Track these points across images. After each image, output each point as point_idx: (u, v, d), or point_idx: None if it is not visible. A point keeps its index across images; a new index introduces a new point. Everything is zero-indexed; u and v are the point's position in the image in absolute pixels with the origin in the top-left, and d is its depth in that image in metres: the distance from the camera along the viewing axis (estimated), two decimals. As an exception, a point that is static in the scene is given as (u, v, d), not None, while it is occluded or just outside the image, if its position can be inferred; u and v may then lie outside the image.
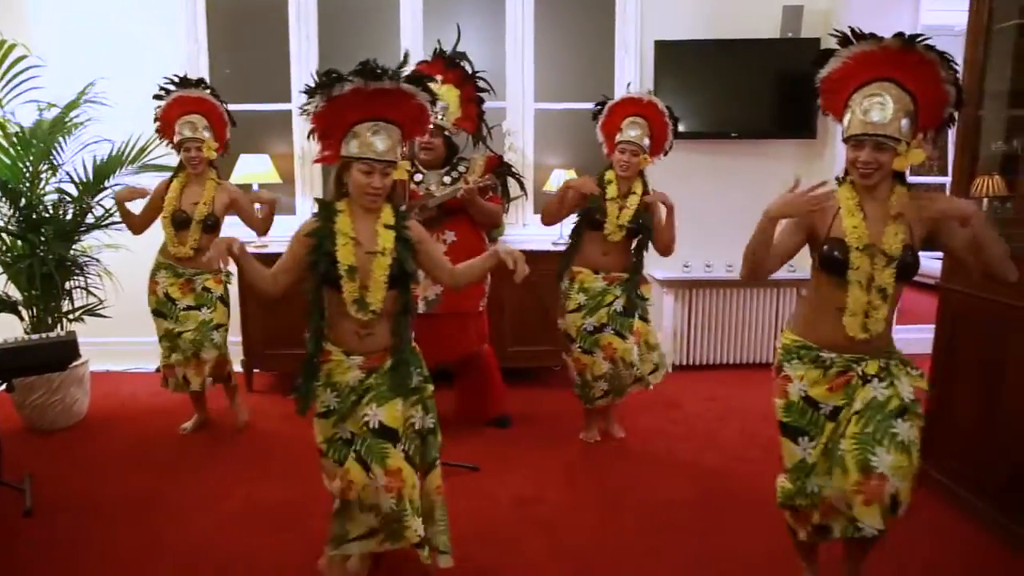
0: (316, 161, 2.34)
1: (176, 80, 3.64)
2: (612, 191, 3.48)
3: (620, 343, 3.47)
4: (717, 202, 4.90)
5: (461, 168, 3.71)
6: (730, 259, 4.92)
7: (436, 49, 3.72)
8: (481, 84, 3.74)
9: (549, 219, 3.64)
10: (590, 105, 4.92)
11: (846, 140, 2.13)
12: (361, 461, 2.15)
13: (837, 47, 2.16)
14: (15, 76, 3.92)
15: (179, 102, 3.60)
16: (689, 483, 3.29)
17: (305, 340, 2.28)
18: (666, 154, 3.59)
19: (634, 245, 3.57)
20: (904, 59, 2.05)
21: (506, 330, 4.46)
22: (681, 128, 3.72)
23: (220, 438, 3.83)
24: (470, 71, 3.71)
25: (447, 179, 3.68)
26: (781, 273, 4.82)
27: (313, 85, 2.13)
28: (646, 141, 3.45)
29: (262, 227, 3.77)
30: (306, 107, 2.15)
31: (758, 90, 4.85)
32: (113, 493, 3.19)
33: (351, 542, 2.23)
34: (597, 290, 3.50)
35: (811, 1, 4.76)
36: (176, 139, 3.59)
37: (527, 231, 5.00)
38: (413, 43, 4.84)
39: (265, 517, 2.98)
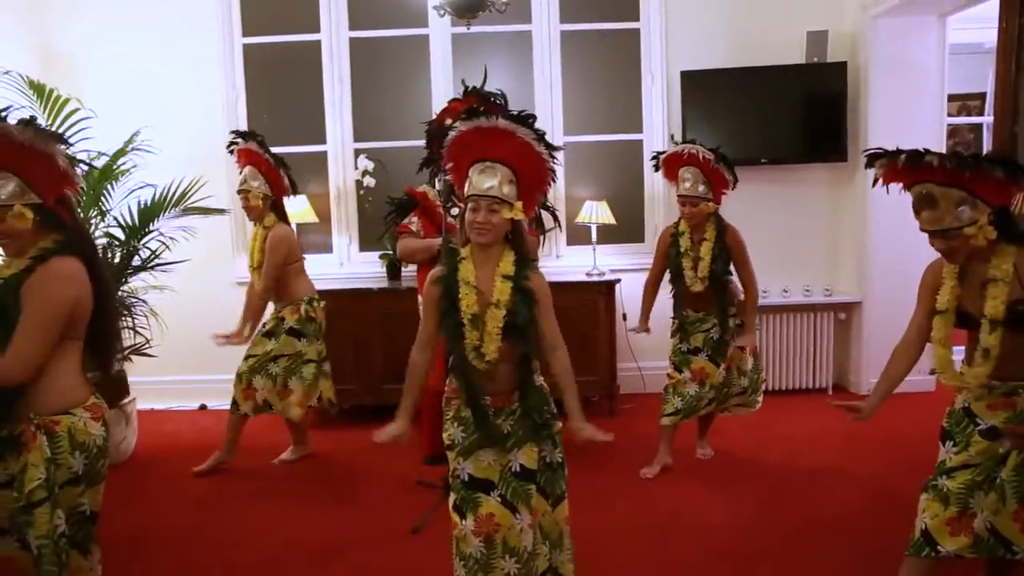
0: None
1: (233, 134, 3.88)
2: (685, 242, 3.62)
3: (712, 368, 3.58)
4: (749, 229, 4.86)
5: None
6: (765, 284, 4.88)
7: (466, 87, 3.77)
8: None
9: None
10: (619, 137, 5.04)
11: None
12: (507, 504, 2.19)
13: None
14: (69, 128, 4.11)
15: (239, 155, 3.80)
16: (733, 510, 3.26)
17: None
18: (734, 188, 3.68)
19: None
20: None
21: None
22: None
23: (263, 474, 3.88)
24: (505, 106, 3.79)
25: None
26: (818, 297, 4.88)
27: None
28: (701, 188, 3.52)
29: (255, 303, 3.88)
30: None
31: (786, 116, 4.87)
32: (160, 529, 3.26)
33: None
34: (695, 318, 3.66)
35: (836, 25, 4.79)
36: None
37: (560, 263, 5.04)
38: (443, 81, 4.97)
39: (310, 551, 3.00)
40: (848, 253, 5.00)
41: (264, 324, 3.86)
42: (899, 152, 2.09)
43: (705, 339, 3.61)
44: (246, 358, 3.81)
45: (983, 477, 2.14)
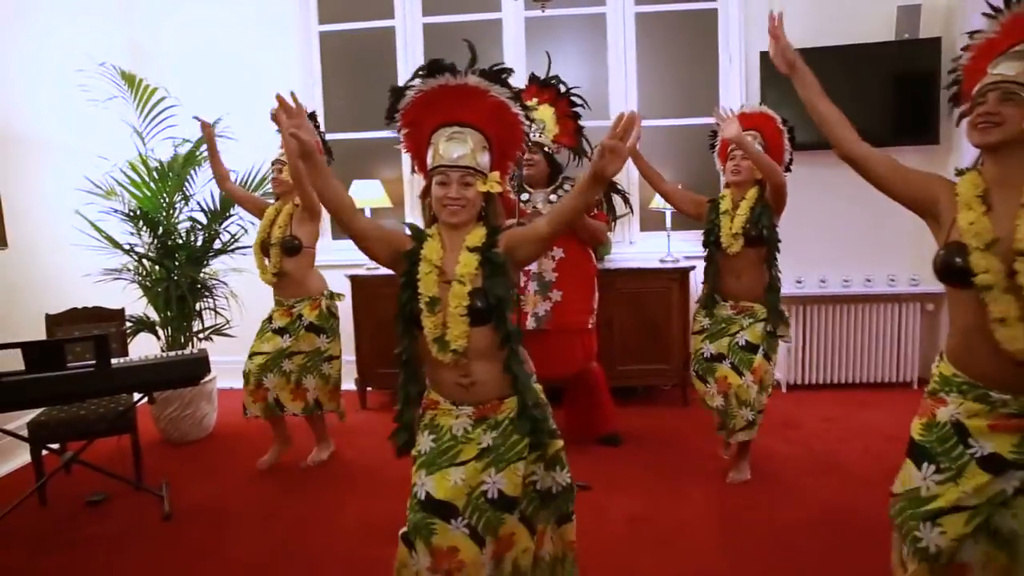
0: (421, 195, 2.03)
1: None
2: (725, 204, 3.35)
3: (735, 379, 3.24)
4: (831, 215, 4.71)
5: (567, 187, 3.74)
6: (847, 273, 4.71)
7: (530, 76, 3.84)
8: (575, 99, 3.80)
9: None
10: (695, 121, 4.91)
11: (970, 106, 1.77)
12: (475, 536, 1.83)
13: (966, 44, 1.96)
14: (156, 116, 4.28)
15: None
16: (809, 506, 3.15)
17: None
18: (788, 169, 3.43)
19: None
20: None
21: (615, 348, 4.43)
22: (791, 139, 3.63)
23: (336, 455, 3.96)
24: (563, 88, 3.78)
25: (553, 197, 3.73)
26: (903, 287, 4.66)
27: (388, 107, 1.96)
28: (759, 148, 3.38)
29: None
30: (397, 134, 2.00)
31: (874, 96, 4.64)
32: (240, 502, 3.38)
33: None
34: (722, 317, 3.34)
35: None
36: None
37: (634, 249, 4.96)
38: (516, 67, 4.92)
39: (381, 530, 3.06)
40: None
41: (271, 320, 3.66)
42: None
43: (730, 345, 3.28)
44: (251, 356, 3.61)
45: (985, 525, 1.66)
